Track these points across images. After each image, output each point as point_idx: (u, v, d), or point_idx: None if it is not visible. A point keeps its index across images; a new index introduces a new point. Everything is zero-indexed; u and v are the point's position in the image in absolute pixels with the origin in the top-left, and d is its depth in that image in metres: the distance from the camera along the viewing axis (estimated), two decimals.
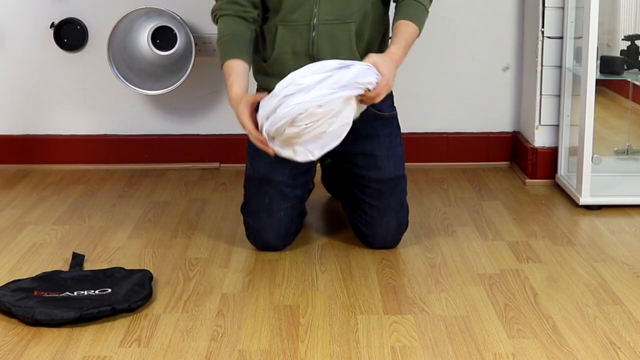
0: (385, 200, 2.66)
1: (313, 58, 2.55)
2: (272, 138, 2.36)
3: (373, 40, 2.63)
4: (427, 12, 2.59)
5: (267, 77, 2.64)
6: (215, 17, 2.61)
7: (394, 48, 2.48)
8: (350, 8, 2.56)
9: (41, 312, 2.20)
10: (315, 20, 2.56)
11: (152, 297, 2.38)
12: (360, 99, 2.36)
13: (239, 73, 2.48)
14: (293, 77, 2.33)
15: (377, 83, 2.34)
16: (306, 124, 2.29)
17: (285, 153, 2.38)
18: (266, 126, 2.34)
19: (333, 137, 2.36)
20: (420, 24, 2.56)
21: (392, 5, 2.64)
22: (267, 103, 2.34)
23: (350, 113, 2.35)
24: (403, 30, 2.52)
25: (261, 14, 2.61)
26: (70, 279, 2.44)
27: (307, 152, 2.37)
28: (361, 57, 2.54)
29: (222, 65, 2.53)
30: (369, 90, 2.34)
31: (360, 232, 2.72)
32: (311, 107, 2.27)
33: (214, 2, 2.61)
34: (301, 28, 2.56)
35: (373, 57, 2.39)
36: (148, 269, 2.49)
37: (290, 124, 2.29)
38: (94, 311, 2.21)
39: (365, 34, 2.60)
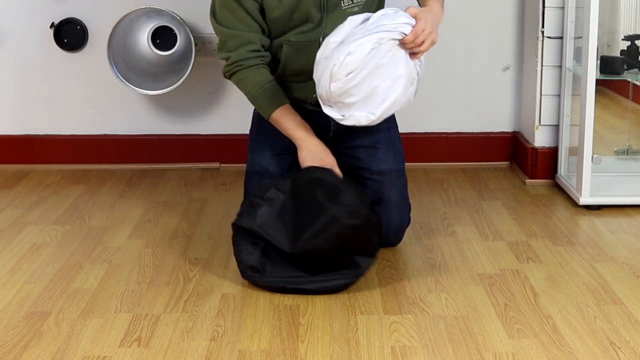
0: (386, 193, 2.66)
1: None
2: (329, 104, 2.38)
3: None
4: None
5: None
6: (238, 67, 2.56)
7: (431, 2, 2.48)
8: None
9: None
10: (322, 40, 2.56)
11: (152, 297, 2.39)
12: (407, 47, 2.35)
13: (298, 121, 2.55)
14: (327, 40, 2.37)
15: (411, 26, 2.35)
16: (346, 77, 2.30)
17: (349, 121, 2.38)
18: (318, 90, 2.37)
19: (390, 93, 2.37)
20: (442, 2, 2.54)
21: None
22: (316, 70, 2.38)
23: (397, 63, 2.36)
24: (435, 3, 2.51)
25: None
26: None
27: (368, 114, 2.38)
28: None
29: (269, 114, 2.55)
30: (404, 35, 2.34)
31: None
32: (342, 56, 2.29)
33: (227, 53, 2.55)
34: (307, 48, 2.55)
35: (410, 7, 2.41)
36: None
37: (331, 80, 2.31)
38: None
39: None
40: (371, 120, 2.39)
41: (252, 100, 2.59)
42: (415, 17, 2.37)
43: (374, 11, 2.51)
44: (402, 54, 2.37)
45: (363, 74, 2.32)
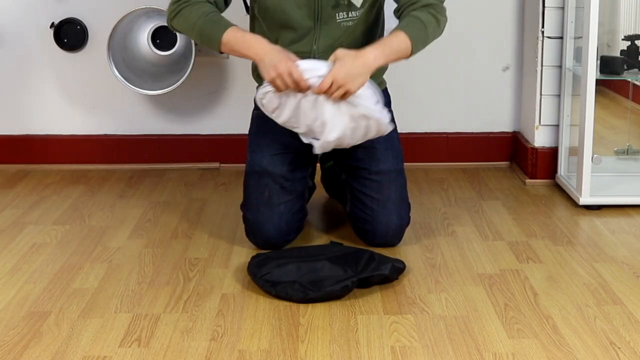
0: (385, 193, 2.66)
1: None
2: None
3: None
4: (426, 29, 2.50)
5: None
6: (181, 5, 2.53)
7: (367, 48, 2.45)
8: (348, 39, 2.58)
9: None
10: (316, 55, 2.58)
11: (152, 297, 2.39)
12: (325, 91, 2.39)
13: (253, 33, 2.54)
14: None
15: (321, 78, 2.38)
16: (272, 113, 2.52)
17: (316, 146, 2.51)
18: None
19: (330, 130, 2.46)
20: (412, 35, 2.47)
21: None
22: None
23: (320, 107, 2.43)
24: (389, 37, 2.49)
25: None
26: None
27: (322, 142, 2.50)
28: None
29: (220, 39, 2.47)
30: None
31: (361, 229, 2.72)
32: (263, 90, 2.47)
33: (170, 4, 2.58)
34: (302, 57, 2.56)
35: (336, 52, 2.41)
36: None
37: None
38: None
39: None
40: (329, 145, 2.48)
41: (199, 33, 2.51)
42: (334, 63, 2.39)
43: (370, 26, 2.53)
44: (322, 99, 2.42)
45: (286, 115, 2.46)
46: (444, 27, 2.56)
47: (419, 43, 2.50)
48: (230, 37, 2.48)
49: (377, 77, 2.67)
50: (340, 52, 2.40)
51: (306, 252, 2.52)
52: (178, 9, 2.55)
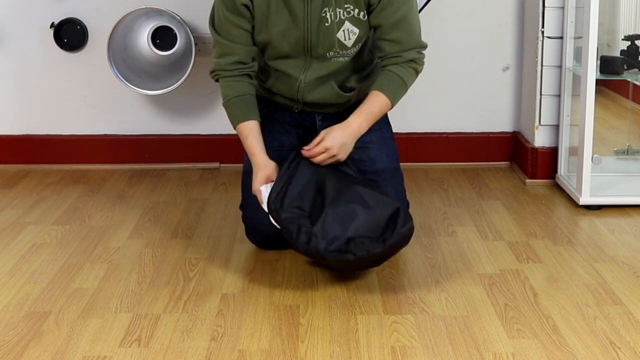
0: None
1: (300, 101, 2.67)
2: None
3: (361, 72, 2.67)
4: (406, 86, 2.57)
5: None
6: (216, 77, 2.65)
7: (351, 118, 2.52)
8: (337, 68, 2.60)
9: None
10: (302, 83, 2.62)
11: (152, 297, 2.39)
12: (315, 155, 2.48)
13: (255, 136, 2.56)
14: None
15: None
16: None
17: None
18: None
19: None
20: (392, 95, 2.54)
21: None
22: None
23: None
24: (370, 100, 2.54)
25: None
26: None
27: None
28: (349, 90, 2.65)
29: (234, 126, 2.59)
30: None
31: None
32: None
33: (214, 59, 2.63)
34: (286, 79, 2.62)
35: (323, 131, 2.51)
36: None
37: None
38: None
39: (351, 76, 2.65)
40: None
41: (226, 109, 2.63)
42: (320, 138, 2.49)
43: (362, 57, 2.55)
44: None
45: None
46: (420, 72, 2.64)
47: (397, 98, 2.58)
48: (239, 131, 2.59)
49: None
50: (326, 130, 2.51)
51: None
52: (214, 78, 2.66)
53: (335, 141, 2.47)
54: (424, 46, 2.60)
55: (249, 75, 2.60)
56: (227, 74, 2.60)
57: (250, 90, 2.60)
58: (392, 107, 2.57)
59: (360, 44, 2.58)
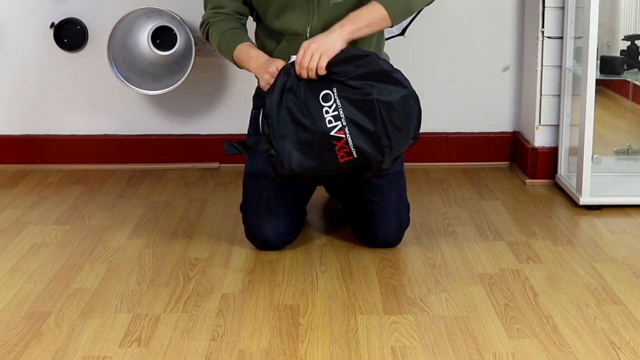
0: (385, 196, 2.66)
1: None
2: None
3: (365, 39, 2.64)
4: (409, 3, 2.52)
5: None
6: (207, 26, 2.67)
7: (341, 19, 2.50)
8: (341, 14, 2.57)
9: None
10: (308, 35, 2.59)
11: (152, 297, 2.39)
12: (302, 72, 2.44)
13: (253, 46, 2.60)
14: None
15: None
16: None
17: None
18: None
19: None
20: (388, 5, 2.49)
21: None
22: None
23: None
24: (364, 8, 2.51)
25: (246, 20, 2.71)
26: None
27: None
28: None
29: (232, 55, 2.61)
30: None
31: (361, 231, 2.72)
32: None
33: (204, 13, 2.68)
34: (294, 43, 2.58)
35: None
36: None
37: None
38: None
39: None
40: None
41: (222, 53, 2.65)
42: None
43: (359, 5, 2.53)
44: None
45: None
46: None
47: (396, 12, 2.51)
48: (238, 53, 2.60)
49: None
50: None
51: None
52: (205, 32, 2.69)
53: (312, 42, 2.44)
54: None
55: (239, 20, 2.65)
56: (217, 18, 2.65)
57: (242, 28, 2.65)
58: (391, 21, 2.50)
59: None
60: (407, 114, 2.43)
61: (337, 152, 2.42)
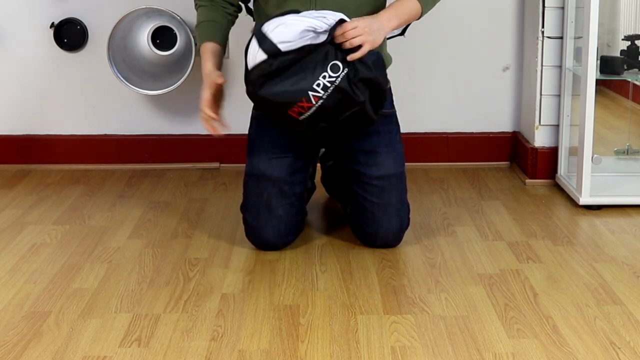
0: (386, 197, 2.66)
1: None
2: None
3: (366, 6, 2.64)
4: None
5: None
6: (195, 6, 2.73)
7: (380, 12, 2.54)
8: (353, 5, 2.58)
9: None
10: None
11: (152, 297, 2.39)
12: (337, 40, 2.43)
13: (213, 52, 2.65)
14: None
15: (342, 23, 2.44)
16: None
17: None
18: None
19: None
20: (423, 1, 2.58)
21: None
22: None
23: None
24: (405, 1, 2.57)
25: (238, 12, 2.74)
26: None
27: None
28: None
29: (199, 46, 2.68)
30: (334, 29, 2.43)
31: (362, 231, 2.72)
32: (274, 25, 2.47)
33: None
34: None
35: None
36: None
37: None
38: None
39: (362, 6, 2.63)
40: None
41: (195, 31, 2.73)
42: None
43: None
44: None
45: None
46: None
47: (427, 7, 2.61)
48: (202, 52, 2.68)
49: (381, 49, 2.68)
50: (356, 18, 2.49)
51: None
52: (196, 6, 2.74)
53: (363, 21, 2.45)
54: None
55: (225, 8, 2.68)
56: (203, 2, 2.69)
57: (222, 20, 2.68)
58: (421, 15, 2.59)
59: None
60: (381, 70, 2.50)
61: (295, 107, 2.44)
